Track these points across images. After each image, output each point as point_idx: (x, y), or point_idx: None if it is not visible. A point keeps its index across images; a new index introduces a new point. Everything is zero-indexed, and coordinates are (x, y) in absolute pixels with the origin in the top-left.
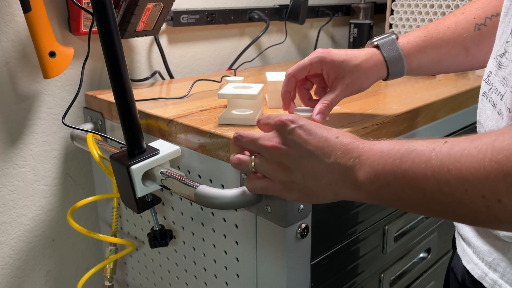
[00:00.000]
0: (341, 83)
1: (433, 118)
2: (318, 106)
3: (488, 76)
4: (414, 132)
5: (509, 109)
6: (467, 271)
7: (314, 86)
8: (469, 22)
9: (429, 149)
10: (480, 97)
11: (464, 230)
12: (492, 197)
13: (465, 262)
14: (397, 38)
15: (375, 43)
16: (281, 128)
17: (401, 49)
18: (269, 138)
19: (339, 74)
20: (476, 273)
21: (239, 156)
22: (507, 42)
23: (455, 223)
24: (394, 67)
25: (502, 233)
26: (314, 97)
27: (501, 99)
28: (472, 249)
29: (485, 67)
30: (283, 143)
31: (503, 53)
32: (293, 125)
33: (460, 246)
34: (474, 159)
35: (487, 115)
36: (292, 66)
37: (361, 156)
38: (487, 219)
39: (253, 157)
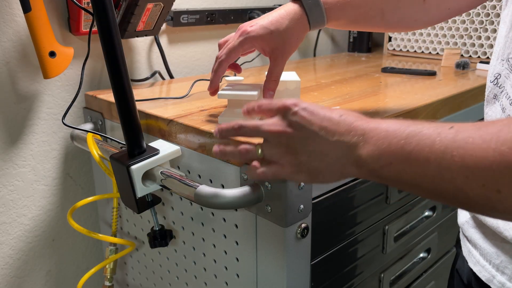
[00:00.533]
0: (279, 53)
1: (433, 118)
2: (268, 84)
3: (496, 78)
4: None
5: None
6: (474, 273)
7: None
8: None
9: (434, 133)
10: (489, 100)
11: (470, 232)
12: (492, 187)
13: (471, 264)
14: None
15: None
16: (284, 112)
17: (323, 3)
18: (274, 123)
19: (272, 46)
20: (483, 275)
21: (245, 146)
22: None
23: (460, 224)
24: (314, 20)
25: (510, 236)
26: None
27: (510, 104)
28: (479, 251)
29: (397, 31)
30: (288, 125)
31: None
32: (296, 108)
33: (466, 247)
34: (478, 148)
35: (496, 119)
36: (291, 66)
37: (366, 134)
38: (484, 208)
39: (259, 143)
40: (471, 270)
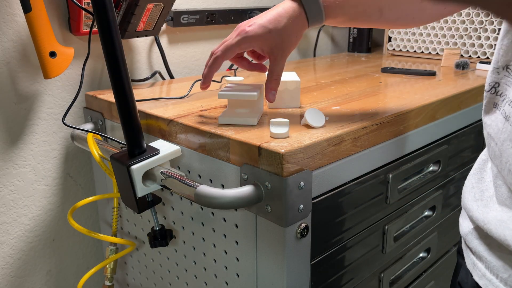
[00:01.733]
0: (278, 52)
1: (433, 118)
2: (270, 84)
3: (493, 87)
4: (414, 132)
5: None
6: (479, 287)
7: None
8: None
9: None
10: (489, 109)
11: (474, 243)
12: None
13: (476, 278)
14: None
15: None
16: None
17: (321, 1)
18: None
19: (272, 45)
20: None
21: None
22: None
23: (463, 235)
24: (313, 17)
25: None
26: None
27: None
28: (484, 264)
29: (395, 28)
30: None
31: None
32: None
33: (470, 260)
34: None
35: (498, 128)
36: (291, 66)
37: None
38: None
39: None
40: (476, 283)
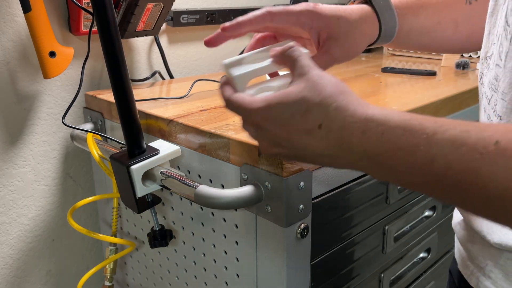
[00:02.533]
0: (336, 46)
1: None
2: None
3: (481, 78)
4: None
5: (500, 116)
6: (462, 276)
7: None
8: None
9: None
10: (479, 100)
11: (461, 234)
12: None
13: (460, 267)
14: None
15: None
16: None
17: (394, 7)
18: (248, 127)
19: (333, 34)
20: (470, 278)
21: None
22: (493, 43)
23: (453, 226)
24: (386, 26)
25: (493, 240)
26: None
27: (488, 104)
28: (467, 253)
29: (465, 48)
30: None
31: (491, 55)
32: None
33: (457, 249)
34: None
35: (481, 119)
36: None
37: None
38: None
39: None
40: (460, 272)
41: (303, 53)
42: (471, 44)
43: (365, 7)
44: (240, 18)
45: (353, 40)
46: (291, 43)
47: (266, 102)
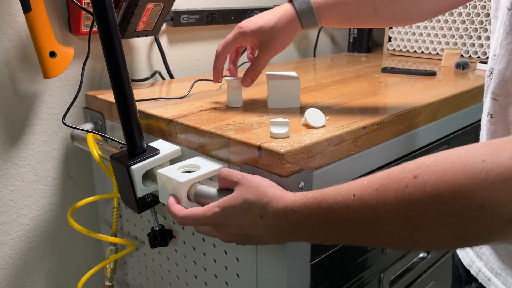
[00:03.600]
0: (264, 47)
1: (433, 118)
2: (246, 72)
3: (491, 73)
4: (414, 132)
5: (488, 113)
6: (459, 258)
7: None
8: None
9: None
10: (485, 92)
11: None
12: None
13: (457, 250)
14: None
15: None
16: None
17: (313, 2)
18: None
19: (261, 40)
20: (465, 261)
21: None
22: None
23: None
24: (306, 20)
25: None
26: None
27: (485, 99)
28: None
29: (391, 26)
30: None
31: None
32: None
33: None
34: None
35: (484, 113)
36: (291, 66)
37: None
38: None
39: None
40: (458, 255)
41: (233, 170)
42: (396, 23)
43: (288, 7)
44: (213, 71)
45: (275, 38)
46: (222, 169)
47: (220, 207)
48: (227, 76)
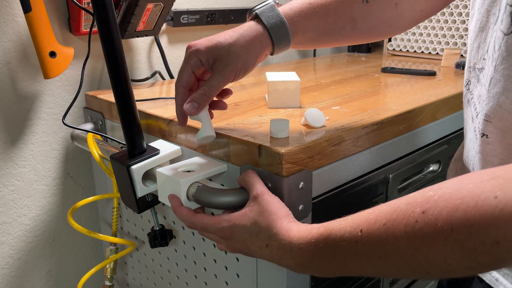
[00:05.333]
0: (220, 65)
1: (433, 118)
2: (195, 94)
3: (468, 84)
4: (414, 132)
5: (483, 133)
6: None
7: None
8: None
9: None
10: (465, 103)
11: None
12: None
13: None
14: (277, 5)
15: (254, 12)
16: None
17: (284, 15)
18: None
19: (217, 57)
20: None
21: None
22: (484, 58)
23: None
24: (277, 35)
25: None
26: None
27: (476, 117)
28: None
29: (371, 41)
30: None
31: (481, 69)
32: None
33: None
34: None
35: (468, 126)
36: (291, 66)
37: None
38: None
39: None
40: None
41: (259, 179)
42: (375, 36)
43: (253, 23)
44: (175, 108)
45: (236, 56)
46: (249, 170)
47: (230, 222)
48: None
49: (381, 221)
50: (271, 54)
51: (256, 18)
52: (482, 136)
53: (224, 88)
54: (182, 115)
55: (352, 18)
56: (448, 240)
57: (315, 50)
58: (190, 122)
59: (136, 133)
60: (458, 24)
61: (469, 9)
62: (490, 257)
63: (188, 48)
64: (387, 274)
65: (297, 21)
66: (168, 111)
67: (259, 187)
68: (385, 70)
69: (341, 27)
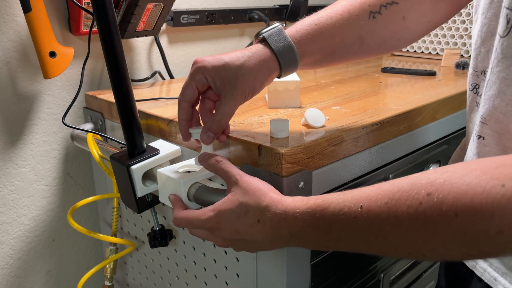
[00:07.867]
0: (229, 89)
1: (433, 118)
2: (210, 124)
3: (474, 88)
4: (414, 132)
5: (479, 135)
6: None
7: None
8: (364, 9)
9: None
10: (472, 107)
11: None
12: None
13: None
14: (284, 28)
15: (261, 36)
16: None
17: (291, 38)
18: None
19: (223, 78)
20: (469, 263)
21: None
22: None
23: None
24: (284, 59)
25: None
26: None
27: (482, 122)
28: None
29: (380, 55)
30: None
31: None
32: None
33: None
34: None
35: (472, 128)
36: None
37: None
38: None
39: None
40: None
41: (232, 165)
42: (384, 51)
43: (260, 46)
44: (179, 125)
45: (243, 79)
46: (218, 157)
47: (215, 211)
48: (194, 128)
49: (383, 199)
50: (278, 77)
51: (264, 41)
52: (478, 138)
53: None
54: (186, 131)
55: (359, 35)
56: (451, 225)
57: None
58: None
59: (136, 133)
60: (458, 24)
61: (469, 9)
62: (491, 246)
63: (195, 63)
64: (381, 253)
65: (304, 43)
66: (168, 111)
67: (236, 171)
68: (385, 70)
69: (349, 46)
